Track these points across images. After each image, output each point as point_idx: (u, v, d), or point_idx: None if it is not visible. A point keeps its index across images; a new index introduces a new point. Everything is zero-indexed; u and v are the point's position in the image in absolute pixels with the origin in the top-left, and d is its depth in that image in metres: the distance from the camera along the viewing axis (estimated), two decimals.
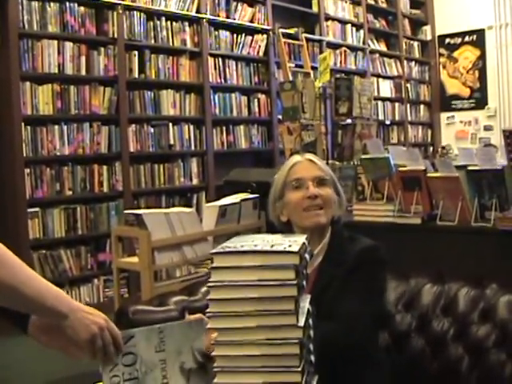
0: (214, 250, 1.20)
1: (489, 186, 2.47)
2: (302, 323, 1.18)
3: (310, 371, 1.26)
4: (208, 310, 1.19)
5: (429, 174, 2.67)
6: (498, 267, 2.35)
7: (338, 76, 3.89)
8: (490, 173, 2.44)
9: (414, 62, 9.34)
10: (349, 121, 3.48)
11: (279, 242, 1.25)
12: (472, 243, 2.50)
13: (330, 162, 3.35)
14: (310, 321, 1.30)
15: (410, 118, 9.09)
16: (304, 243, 1.28)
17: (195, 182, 6.00)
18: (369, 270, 1.85)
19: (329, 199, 1.92)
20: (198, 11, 6.05)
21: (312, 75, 5.89)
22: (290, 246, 1.21)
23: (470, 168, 2.52)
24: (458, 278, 2.25)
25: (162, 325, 1.39)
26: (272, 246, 1.21)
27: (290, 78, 5.84)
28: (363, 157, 2.99)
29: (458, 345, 2.15)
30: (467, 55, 9.19)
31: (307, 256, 1.31)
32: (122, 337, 1.36)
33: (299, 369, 1.17)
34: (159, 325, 1.39)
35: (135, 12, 5.53)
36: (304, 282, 1.27)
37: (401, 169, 2.74)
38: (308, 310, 1.29)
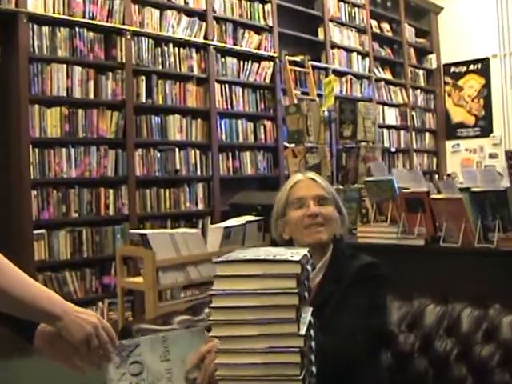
0: (217, 259, 1.21)
1: (492, 207, 2.48)
2: (303, 332, 1.19)
3: (312, 382, 1.27)
4: (210, 318, 1.21)
5: (432, 196, 2.69)
6: (502, 288, 2.36)
7: (342, 99, 3.93)
8: (493, 194, 2.46)
9: (419, 90, 9.42)
10: (353, 144, 3.51)
11: (281, 253, 1.27)
12: (475, 264, 2.51)
13: (334, 185, 3.38)
14: (312, 332, 1.31)
15: (415, 146, 9.13)
16: (306, 255, 1.30)
17: (201, 206, 6.02)
18: (368, 285, 1.87)
19: (330, 217, 1.94)
20: (205, 38, 6.14)
21: (318, 101, 5.94)
22: (291, 256, 1.22)
23: (473, 189, 2.54)
24: (461, 298, 2.25)
25: (166, 333, 1.41)
26: (274, 256, 1.23)
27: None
28: (367, 179, 3.01)
29: (461, 365, 2.15)
30: (472, 83, 9.26)
31: (309, 268, 1.32)
32: (128, 345, 1.36)
33: (300, 377, 1.18)
34: (163, 334, 1.40)
35: (143, 38, 5.61)
36: (306, 293, 1.28)
37: (404, 191, 2.76)
38: (310, 321, 1.30)
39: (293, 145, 3.71)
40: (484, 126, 9.11)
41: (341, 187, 3.49)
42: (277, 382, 1.19)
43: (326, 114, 3.60)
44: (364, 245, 2.95)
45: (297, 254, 1.26)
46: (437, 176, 9.37)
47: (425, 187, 2.76)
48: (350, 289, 1.85)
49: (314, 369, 1.32)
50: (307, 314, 1.31)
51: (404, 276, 2.71)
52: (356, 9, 8.22)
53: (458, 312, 2.25)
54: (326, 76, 7.38)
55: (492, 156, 8.92)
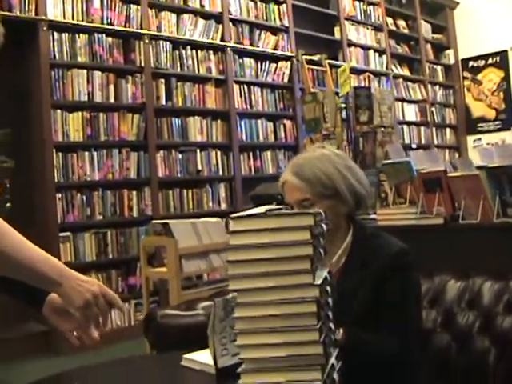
0: (233, 215, 1.25)
1: (509, 182, 2.49)
2: (318, 282, 1.22)
3: (329, 327, 1.30)
4: (228, 272, 1.24)
5: (449, 174, 2.70)
6: None
7: (356, 85, 3.96)
8: (510, 168, 2.47)
9: (438, 86, 9.39)
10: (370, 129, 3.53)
11: None
12: (494, 239, 2.52)
13: None
14: (329, 288, 1.34)
15: (436, 142, 9.09)
16: (320, 212, 1.33)
17: (223, 206, 6.07)
18: (407, 273, 1.83)
19: None
20: (222, 39, 6.21)
21: (333, 88, 5.96)
22: None
23: (489, 165, 2.55)
24: (481, 273, 2.26)
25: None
26: None
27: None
28: (385, 162, 3.03)
29: (484, 337, 2.14)
30: (491, 77, 9.21)
31: (324, 226, 1.35)
32: (232, 301, 1.39)
33: (317, 327, 1.21)
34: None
35: (161, 41, 5.70)
36: (321, 250, 1.31)
37: (422, 171, 2.78)
38: (326, 277, 1.32)
39: (311, 134, 3.74)
40: (505, 119, 9.05)
41: None
42: (294, 332, 1.22)
43: (342, 99, 3.62)
44: (384, 227, 2.96)
45: None
46: None
47: (442, 166, 2.77)
48: (384, 279, 1.78)
49: (330, 313, 1.34)
50: (323, 272, 1.33)
51: (424, 254, 2.71)
52: (371, 7, 8.25)
53: (478, 286, 2.24)
54: None
55: None
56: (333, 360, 1.33)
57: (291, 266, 1.22)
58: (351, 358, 1.44)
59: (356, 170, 1.95)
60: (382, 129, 3.39)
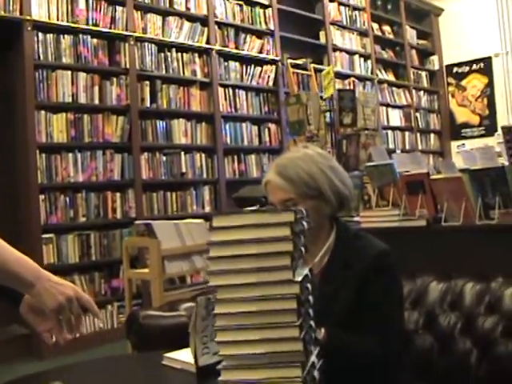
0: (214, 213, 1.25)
1: (492, 185, 2.51)
2: (299, 279, 1.22)
3: (310, 325, 1.30)
4: (208, 268, 1.24)
5: (432, 177, 2.72)
6: (503, 262, 2.38)
7: (340, 88, 3.98)
8: (492, 171, 2.49)
9: (422, 92, 9.45)
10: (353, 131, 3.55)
11: None
12: (477, 241, 2.53)
13: None
14: (309, 285, 1.34)
15: (420, 147, 9.13)
16: (301, 210, 1.33)
17: (207, 209, 6.06)
18: (386, 276, 1.82)
19: None
20: (207, 42, 6.21)
21: (317, 91, 5.98)
22: None
23: (472, 168, 2.57)
24: (463, 274, 2.27)
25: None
26: None
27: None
28: (368, 164, 3.04)
29: (465, 338, 2.15)
30: (475, 83, 9.29)
31: (304, 223, 1.35)
32: (214, 300, 1.38)
33: (297, 323, 1.21)
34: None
35: (146, 43, 5.69)
36: (302, 247, 1.31)
37: (405, 173, 2.79)
38: (307, 275, 1.32)
39: (294, 136, 3.75)
40: (488, 125, 9.13)
41: None
42: (274, 329, 1.22)
43: (326, 103, 3.64)
44: (367, 229, 2.96)
45: None
46: None
47: (425, 169, 2.79)
48: (367, 278, 1.78)
49: (312, 323, 1.34)
50: (304, 269, 1.33)
51: (407, 256, 2.73)
52: (357, 12, 8.29)
53: (460, 287, 2.25)
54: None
55: (497, 155, 8.90)
56: (313, 358, 1.33)
57: (271, 262, 1.21)
58: (332, 358, 1.43)
59: (339, 171, 1.94)
60: (366, 131, 3.41)
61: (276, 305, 1.22)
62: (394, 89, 8.83)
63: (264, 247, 1.21)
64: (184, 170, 5.90)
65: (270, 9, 6.95)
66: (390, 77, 8.89)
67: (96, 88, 5.28)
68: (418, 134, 9.15)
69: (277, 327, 1.22)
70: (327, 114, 3.51)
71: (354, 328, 1.73)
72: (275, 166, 1.90)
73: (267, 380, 1.23)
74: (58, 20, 5.07)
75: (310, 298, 1.34)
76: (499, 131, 8.81)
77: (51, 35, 5.02)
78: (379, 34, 8.71)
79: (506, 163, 2.56)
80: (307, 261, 1.39)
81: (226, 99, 6.39)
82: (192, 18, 6.16)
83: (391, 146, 8.37)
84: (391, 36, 8.98)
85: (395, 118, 8.73)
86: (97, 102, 5.29)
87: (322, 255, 1.87)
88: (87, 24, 5.26)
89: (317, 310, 1.37)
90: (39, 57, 4.93)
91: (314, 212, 1.81)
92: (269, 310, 1.22)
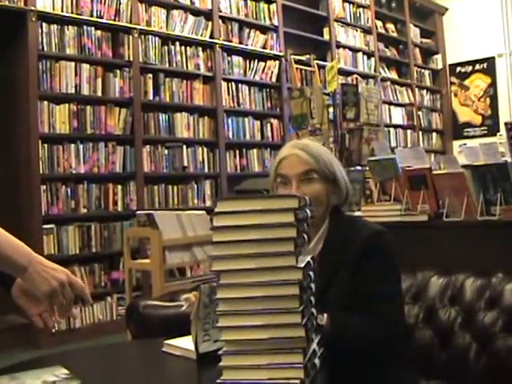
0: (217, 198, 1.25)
1: (493, 181, 2.51)
2: (301, 265, 1.22)
3: (312, 312, 1.30)
4: (211, 254, 1.24)
5: (434, 172, 2.72)
6: (504, 258, 2.38)
7: (344, 82, 3.98)
8: (494, 167, 2.49)
9: (425, 91, 9.45)
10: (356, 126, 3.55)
11: None
12: (478, 237, 2.53)
13: None
14: (312, 272, 1.34)
15: (422, 146, 9.12)
16: (305, 198, 1.33)
17: (208, 203, 6.05)
18: (382, 254, 1.81)
19: (315, 196, 1.78)
20: (211, 36, 6.21)
21: (320, 85, 5.99)
22: None
23: (474, 164, 2.57)
24: (464, 270, 2.27)
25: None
26: None
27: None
28: (370, 159, 3.05)
29: (465, 333, 2.16)
30: (478, 83, 9.28)
31: (308, 211, 1.35)
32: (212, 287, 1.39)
33: (299, 309, 1.21)
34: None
35: (150, 36, 5.68)
36: (304, 235, 1.31)
37: (407, 168, 2.79)
38: (309, 262, 1.33)
39: (297, 129, 3.75)
40: (491, 125, 9.12)
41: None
42: (276, 314, 1.22)
43: (330, 98, 3.65)
44: None
45: None
46: None
47: (427, 164, 2.79)
48: (361, 260, 1.77)
49: (314, 310, 1.35)
50: (306, 256, 1.33)
51: (408, 251, 2.73)
52: (361, 9, 8.28)
53: (461, 282, 2.26)
54: None
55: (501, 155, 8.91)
56: (314, 345, 1.33)
57: (275, 247, 1.22)
58: (338, 344, 1.44)
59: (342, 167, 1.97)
60: (369, 126, 3.41)
61: (278, 290, 1.22)
62: (396, 87, 8.82)
63: (267, 233, 1.21)
64: (186, 164, 5.89)
65: (275, 4, 6.94)
66: (393, 75, 8.89)
67: (99, 80, 5.28)
68: (420, 133, 9.15)
69: (279, 313, 1.22)
70: (330, 109, 3.51)
71: (355, 311, 1.72)
72: (296, 144, 1.91)
73: (268, 366, 1.23)
74: (62, 11, 5.07)
75: (312, 285, 1.35)
76: (501, 131, 8.85)
77: (55, 26, 5.02)
78: (383, 31, 8.70)
79: (510, 160, 2.55)
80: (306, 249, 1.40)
81: (228, 94, 6.38)
82: (196, 12, 6.15)
83: (393, 144, 8.36)
84: (395, 34, 8.97)
85: (397, 116, 8.72)
86: (100, 93, 5.29)
87: (317, 241, 1.85)
88: (91, 16, 5.26)
89: (315, 296, 1.38)
90: (43, 47, 4.93)
91: (325, 196, 1.84)
92: (271, 295, 1.22)
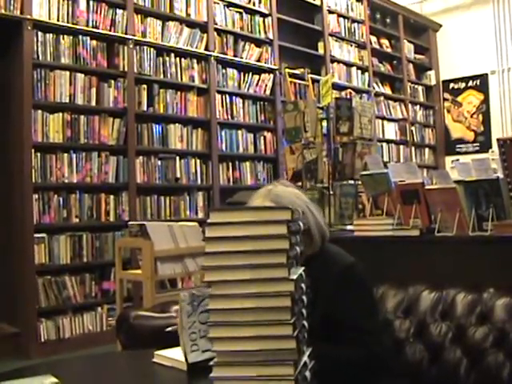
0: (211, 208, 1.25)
1: (485, 196, 2.52)
2: (293, 277, 1.23)
3: (303, 324, 1.30)
4: (203, 264, 1.24)
5: (426, 187, 2.73)
6: (495, 273, 2.38)
7: (338, 96, 4.00)
8: (486, 182, 2.50)
9: (418, 106, 9.49)
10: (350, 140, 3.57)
11: None
12: (469, 252, 2.54)
13: (330, 181, 3.46)
14: (303, 285, 1.34)
15: (414, 161, 9.15)
16: (297, 210, 1.34)
17: (201, 215, 6.05)
18: (354, 289, 1.86)
19: None
20: (206, 49, 6.23)
21: (315, 98, 6.01)
22: None
23: (466, 179, 2.58)
24: (455, 285, 2.28)
25: None
26: None
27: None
28: (363, 173, 3.06)
29: (456, 348, 2.16)
30: (471, 99, 9.34)
31: (301, 224, 1.35)
32: (199, 296, 1.39)
33: (291, 321, 1.21)
34: None
35: (145, 47, 5.70)
36: (297, 247, 1.32)
37: (400, 183, 2.80)
38: (301, 274, 1.33)
39: (290, 143, 3.77)
40: (483, 142, 9.18)
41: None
42: (268, 326, 1.22)
43: (324, 111, 3.67)
44: (360, 238, 2.98)
45: None
46: None
47: (420, 179, 2.80)
48: (333, 295, 1.81)
49: (305, 323, 1.35)
50: (298, 269, 1.34)
51: (400, 265, 2.75)
52: (356, 24, 8.33)
53: (452, 297, 2.26)
54: None
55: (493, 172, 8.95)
56: (306, 358, 1.33)
57: (267, 259, 1.22)
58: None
59: (315, 204, 1.96)
60: (362, 140, 3.43)
61: (270, 302, 1.22)
62: (390, 102, 8.86)
63: (260, 244, 1.22)
64: (178, 175, 5.89)
65: (270, 18, 6.98)
66: (387, 90, 8.93)
67: (93, 90, 5.28)
68: (413, 148, 9.18)
69: (270, 324, 1.22)
70: (324, 123, 3.53)
71: (332, 342, 1.75)
72: (267, 194, 1.79)
73: (259, 377, 1.23)
74: (58, 20, 5.08)
75: (304, 297, 1.35)
76: (493, 148, 8.90)
77: (51, 35, 5.03)
78: (377, 47, 8.76)
79: (501, 176, 2.57)
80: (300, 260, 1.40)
81: (222, 106, 6.40)
82: (192, 24, 6.17)
83: (386, 158, 8.38)
84: (389, 50, 9.03)
85: (390, 131, 8.76)
86: (94, 103, 5.28)
87: None
88: (87, 25, 5.27)
89: None
90: (38, 56, 4.93)
91: None
92: (263, 307, 1.22)
